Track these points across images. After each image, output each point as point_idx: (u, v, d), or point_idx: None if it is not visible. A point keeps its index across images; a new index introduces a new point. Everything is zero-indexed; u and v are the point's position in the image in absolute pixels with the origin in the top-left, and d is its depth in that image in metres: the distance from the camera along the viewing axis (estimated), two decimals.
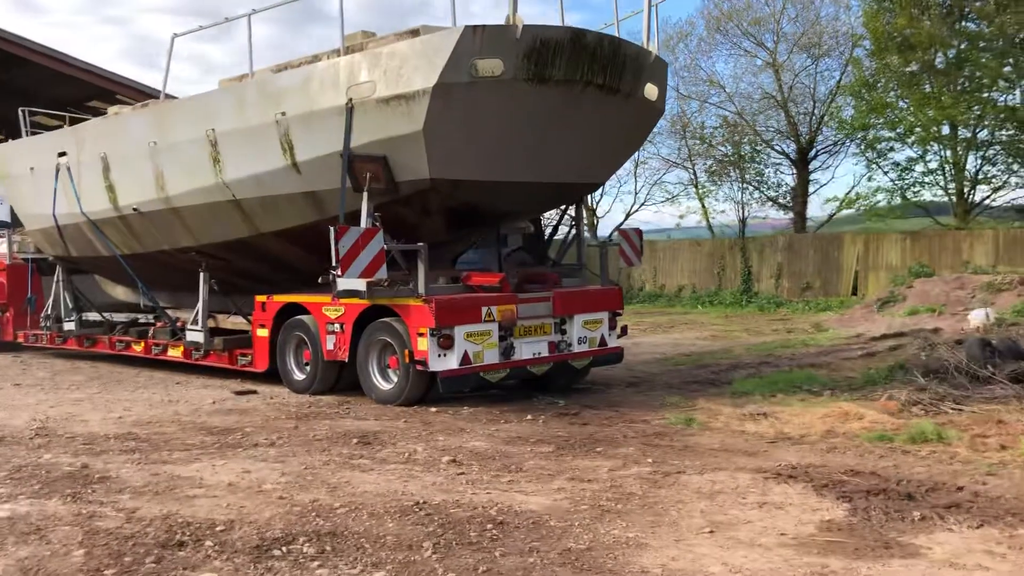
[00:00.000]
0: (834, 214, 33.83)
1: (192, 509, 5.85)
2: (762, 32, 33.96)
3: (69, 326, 15.98)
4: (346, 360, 11.29)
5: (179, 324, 14.03)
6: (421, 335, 10.36)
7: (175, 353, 14.26)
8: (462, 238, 12.27)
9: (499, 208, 11.57)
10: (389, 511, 5.84)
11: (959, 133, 29.46)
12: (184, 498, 6.15)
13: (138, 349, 15.14)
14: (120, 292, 17.53)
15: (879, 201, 32.18)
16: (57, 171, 13.98)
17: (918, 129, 29.06)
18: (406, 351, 10.37)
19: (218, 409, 10.53)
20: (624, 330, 12.61)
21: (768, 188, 35.15)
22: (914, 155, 31.28)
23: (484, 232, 12.40)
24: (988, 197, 30.61)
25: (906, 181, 31.71)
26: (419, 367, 10.35)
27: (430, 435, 8.68)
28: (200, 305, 13.00)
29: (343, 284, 10.58)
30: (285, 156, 10.93)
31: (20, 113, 17.10)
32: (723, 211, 35.66)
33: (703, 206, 35.61)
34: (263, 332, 12.47)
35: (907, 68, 29.64)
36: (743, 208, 34.79)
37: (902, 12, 27.28)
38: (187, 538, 5.26)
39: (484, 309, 10.69)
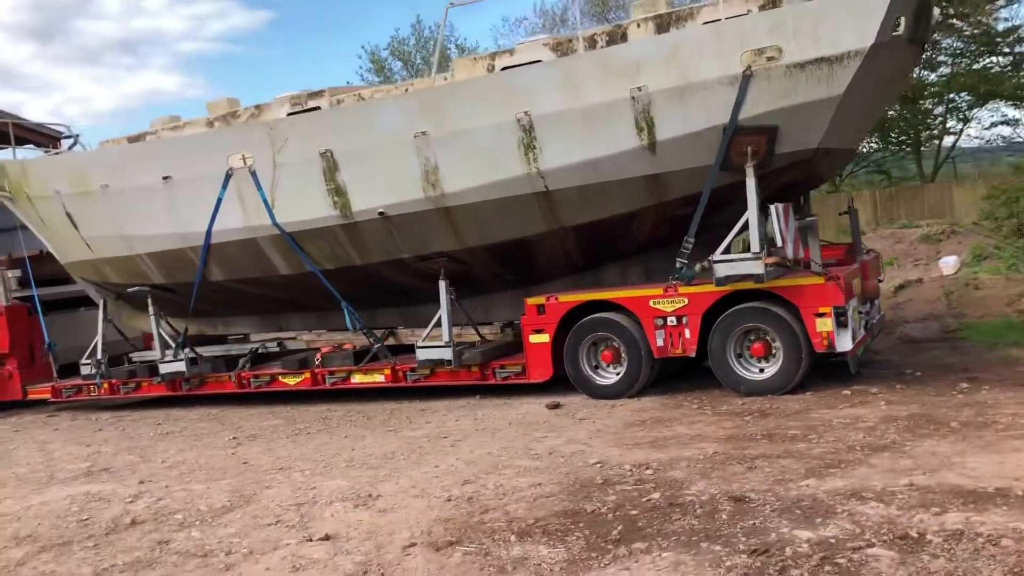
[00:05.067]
0: None
1: None
2: None
3: (174, 367, 13.28)
4: (692, 355, 10.46)
5: (374, 343, 12.24)
6: (822, 315, 9.82)
7: (366, 379, 12.43)
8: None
9: (823, 180, 11.21)
10: None
11: None
12: None
13: (293, 382, 12.97)
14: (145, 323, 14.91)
15: None
16: (228, 177, 11.56)
17: None
18: (824, 332, 9.74)
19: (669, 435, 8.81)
20: None
21: None
22: None
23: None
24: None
25: None
26: (823, 349, 9.81)
27: (981, 427, 7.90)
28: (443, 316, 11.38)
29: (727, 269, 9.81)
30: (641, 136, 9.87)
31: None
32: None
33: None
34: (541, 338, 11.19)
35: None
36: None
37: None
38: None
39: (855, 283, 10.37)
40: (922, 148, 31.48)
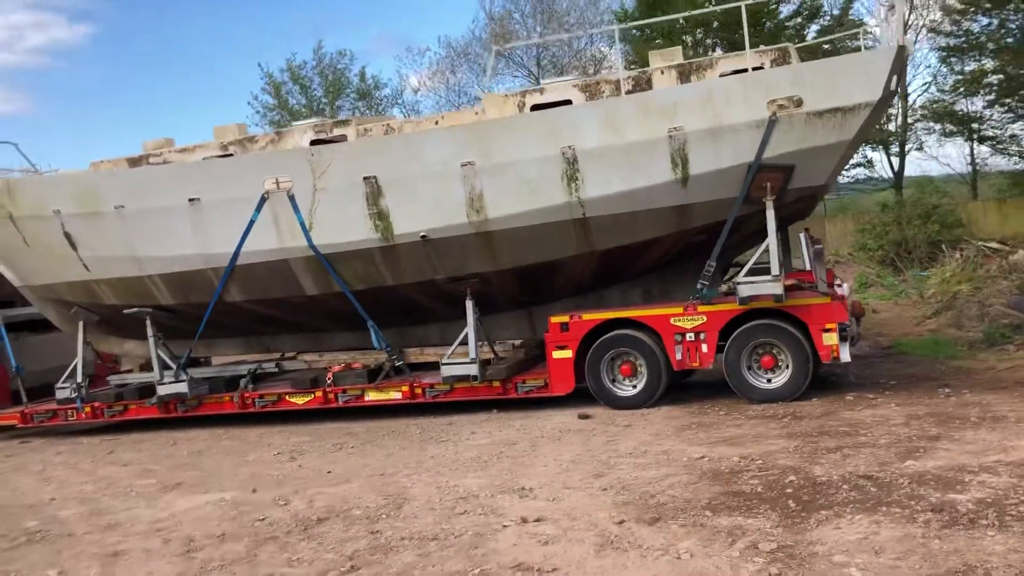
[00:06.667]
0: None
1: None
2: None
3: (174, 388, 13.38)
4: (709, 367, 11.68)
5: (395, 362, 12.83)
6: (828, 331, 11.21)
7: (381, 396, 12.98)
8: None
9: (810, 212, 12.70)
10: None
11: None
12: None
13: (302, 401, 13.35)
14: (132, 347, 15.16)
15: None
16: (263, 200, 11.93)
17: None
18: (832, 346, 11.11)
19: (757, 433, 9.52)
20: None
21: None
22: None
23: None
24: None
25: None
26: (829, 360, 11.20)
27: (998, 421, 9.10)
28: (470, 333, 12.15)
29: (750, 290, 11.07)
30: (675, 171, 11.03)
31: None
32: None
33: None
34: (564, 354, 12.13)
35: None
36: None
37: None
38: None
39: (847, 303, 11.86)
40: None
